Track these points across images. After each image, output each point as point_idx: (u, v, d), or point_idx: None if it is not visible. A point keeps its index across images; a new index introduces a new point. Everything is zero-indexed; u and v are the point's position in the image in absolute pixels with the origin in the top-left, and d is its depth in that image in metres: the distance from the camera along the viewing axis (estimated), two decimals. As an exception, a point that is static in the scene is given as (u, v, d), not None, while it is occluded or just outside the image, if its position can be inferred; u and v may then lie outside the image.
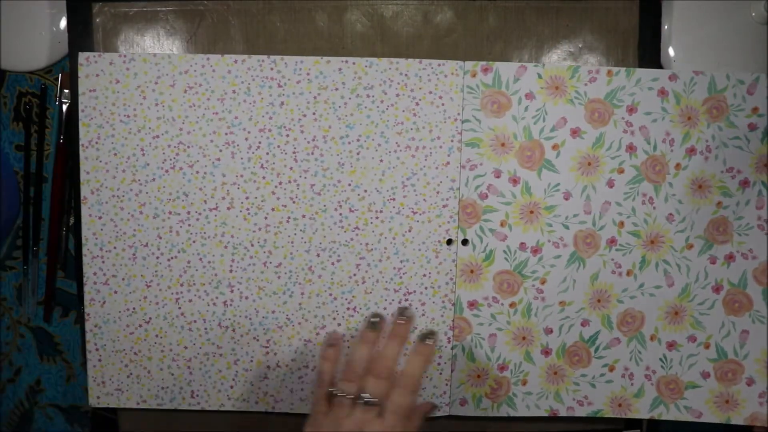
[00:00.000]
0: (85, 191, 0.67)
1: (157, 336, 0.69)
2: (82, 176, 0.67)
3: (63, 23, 0.70)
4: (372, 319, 0.60)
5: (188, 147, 0.67)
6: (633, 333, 0.71)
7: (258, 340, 0.69)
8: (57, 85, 0.71)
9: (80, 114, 0.66)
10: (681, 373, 0.71)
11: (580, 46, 0.71)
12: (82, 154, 0.67)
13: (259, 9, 0.69)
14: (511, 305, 0.70)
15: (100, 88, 0.66)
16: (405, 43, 0.70)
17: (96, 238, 0.68)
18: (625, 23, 0.71)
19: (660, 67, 0.71)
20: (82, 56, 0.66)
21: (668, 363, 0.71)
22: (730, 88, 0.68)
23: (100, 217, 0.67)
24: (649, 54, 0.71)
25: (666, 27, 0.72)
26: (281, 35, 0.69)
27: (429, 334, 0.59)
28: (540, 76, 0.67)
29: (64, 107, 0.70)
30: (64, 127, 0.71)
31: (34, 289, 0.74)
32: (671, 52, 0.72)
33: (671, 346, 0.71)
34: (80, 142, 0.67)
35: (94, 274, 0.68)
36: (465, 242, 0.69)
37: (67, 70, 0.70)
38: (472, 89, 0.67)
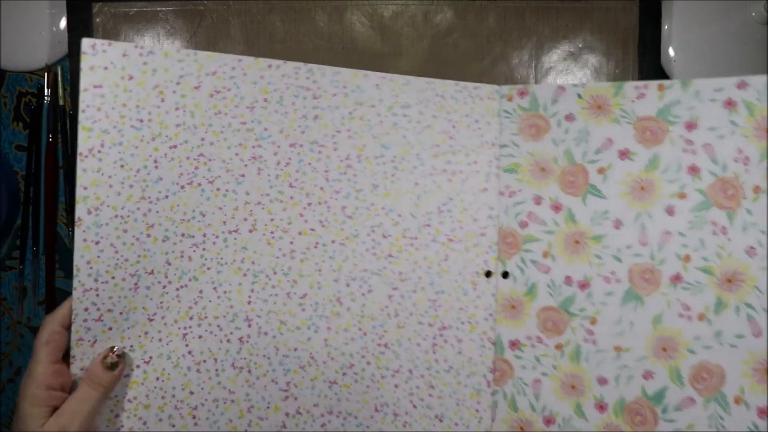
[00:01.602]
0: (80, 211, 0.56)
1: (157, 379, 0.59)
2: (79, 192, 0.56)
3: (63, 23, 0.71)
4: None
5: (210, 160, 0.59)
6: (711, 393, 0.61)
7: (277, 382, 0.60)
8: (44, 84, 0.71)
9: (80, 115, 0.56)
10: None
11: (580, 46, 0.71)
12: (79, 166, 0.56)
13: (259, 9, 0.69)
14: (558, 347, 0.63)
15: (108, 85, 0.56)
16: (405, 43, 0.70)
17: (90, 268, 0.57)
18: (625, 23, 0.71)
19: (660, 66, 0.70)
20: (87, 43, 0.55)
21: None
22: None
23: (97, 242, 0.57)
24: (649, 54, 0.71)
25: (666, 27, 0.72)
26: (281, 35, 0.69)
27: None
28: (580, 96, 0.64)
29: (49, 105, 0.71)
30: (53, 126, 0.71)
31: (35, 288, 0.73)
32: (671, 52, 0.72)
33: (763, 412, 0.60)
34: (78, 151, 0.56)
35: (86, 309, 0.57)
36: (505, 275, 0.63)
37: (54, 69, 0.71)
38: (509, 113, 0.64)
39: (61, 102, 0.71)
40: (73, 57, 0.68)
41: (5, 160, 0.72)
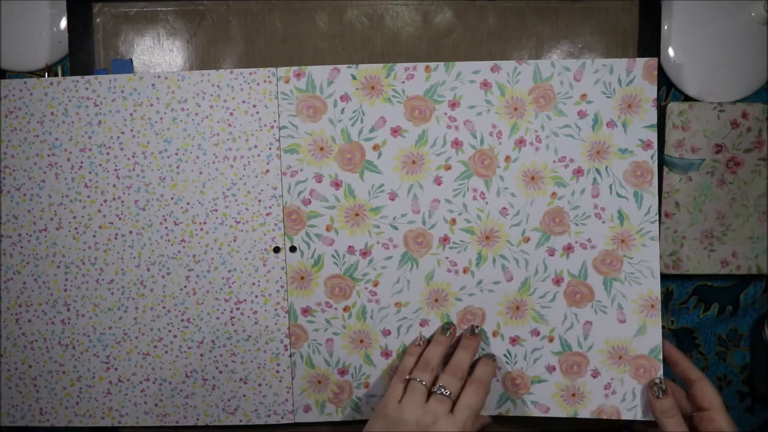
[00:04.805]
0: None
1: (1, 356, 0.70)
2: None
3: (63, 23, 0.71)
4: (445, 325, 0.68)
5: (13, 171, 0.68)
6: None
7: (98, 356, 0.70)
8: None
9: None
10: (526, 368, 0.70)
11: (580, 46, 0.71)
12: None
13: (259, 9, 0.70)
14: (345, 309, 0.69)
15: None
16: (405, 43, 0.71)
17: None
18: (625, 23, 0.71)
19: (660, 66, 0.71)
20: None
21: (513, 358, 0.70)
22: (555, 75, 0.66)
23: None
24: (649, 54, 0.70)
25: (666, 27, 0.72)
26: (281, 35, 0.71)
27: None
28: (354, 78, 0.67)
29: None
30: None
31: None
32: (671, 52, 0.72)
33: (514, 341, 0.69)
34: None
35: None
36: (293, 249, 0.68)
37: (55, 69, 0.72)
38: (286, 95, 0.67)
39: (61, 102, 0.71)
40: (73, 57, 0.69)
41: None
